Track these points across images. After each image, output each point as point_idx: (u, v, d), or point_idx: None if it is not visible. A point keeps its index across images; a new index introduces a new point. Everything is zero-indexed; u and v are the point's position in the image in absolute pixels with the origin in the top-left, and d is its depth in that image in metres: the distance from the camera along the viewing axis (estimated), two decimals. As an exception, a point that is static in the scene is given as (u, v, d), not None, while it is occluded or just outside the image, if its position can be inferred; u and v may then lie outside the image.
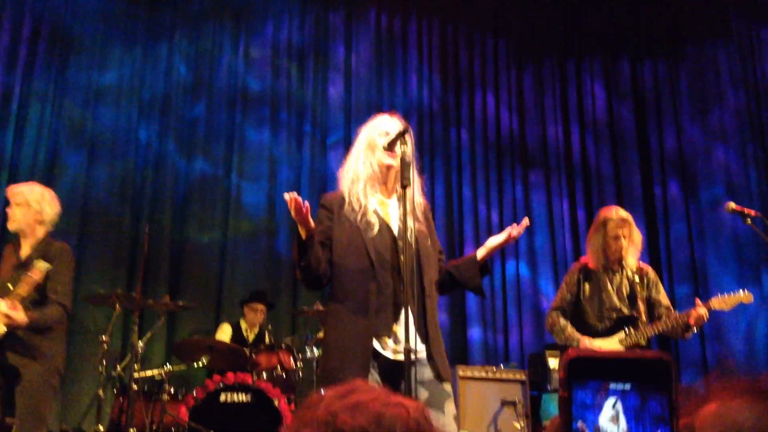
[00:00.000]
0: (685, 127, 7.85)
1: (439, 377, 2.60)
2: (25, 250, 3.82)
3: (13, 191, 3.87)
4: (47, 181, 6.02)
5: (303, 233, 2.56)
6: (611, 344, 3.97)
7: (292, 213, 2.51)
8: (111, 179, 6.34)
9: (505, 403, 5.50)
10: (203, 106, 6.89)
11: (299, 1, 7.48)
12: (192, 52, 6.96)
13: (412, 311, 2.48)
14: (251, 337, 5.92)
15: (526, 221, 2.84)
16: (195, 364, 5.00)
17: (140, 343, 4.72)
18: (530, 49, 8.38)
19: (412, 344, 2.39)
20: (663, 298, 4.15)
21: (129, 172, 6.42)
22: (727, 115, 7.46)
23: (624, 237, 4.03)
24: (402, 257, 2.59)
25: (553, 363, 5.79)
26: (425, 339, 2.62)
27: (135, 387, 4.61)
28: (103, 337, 4.86)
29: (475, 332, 7.31)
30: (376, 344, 2.57)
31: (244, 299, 6.02)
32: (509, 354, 7.30)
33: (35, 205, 3.82)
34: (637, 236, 4.10)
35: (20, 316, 3.49)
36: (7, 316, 3.46)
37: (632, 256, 4.11)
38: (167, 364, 5.05)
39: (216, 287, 6.51)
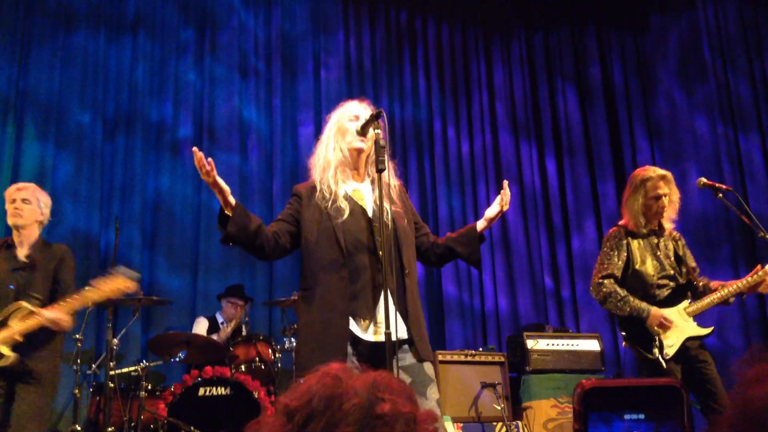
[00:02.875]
0: (654, 98, 7.94)
1: (420, 359, 2.60)
2: (24, 251, 3.82)
3: (21, 188, 3.90)
4: (13, 172, 5.90)
5: (221, 201, 2.57)
6: (678, 314, 3.77)
7: (201, 174, 2.51)
8: (78, 169, 6.18)
9: (485, 386, 5.53)
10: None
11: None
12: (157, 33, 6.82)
13: (391, 292, 2.48)
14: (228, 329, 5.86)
15: (506, 184, 2.89)
16: (172, 359, 4.95)
17: (115, 340, 4.66)
18: (498, 24, 8.44)
19: (392, 326, 2.38)
20: (694, 264, 3.99)
21: (96, 166, 6.26)
22: (697, 86, 7.51)
23: (665, 195, 3.83)
24: (378, 239, 2.58)
25: (531, 344, 5.82)
26: (405, 319, 2.62)
27: (111, 385, 4.56)
28: (77, 335, 4.79)
29: (450, 288, 7.38)
30: (355, 328, 2.56)
31: (223, 294, 5.95)
32: (486, 329, 7.37)
33: (44, 208, 3.92)
34: (676, 195, 3.90)
35: (69, 322, 3.65)
36: (59, 323, 3.59)
37: (668, 220, 3.93)
38: (143, 360, 4.97)
39: (191, 280, 6.42)
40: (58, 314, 3.58)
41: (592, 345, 6.02)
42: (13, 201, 3.83)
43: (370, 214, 2.71)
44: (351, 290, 2.57)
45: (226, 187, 2.55)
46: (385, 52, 7.83)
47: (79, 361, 4.83)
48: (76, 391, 4.79)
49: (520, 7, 8.56)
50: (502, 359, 5.78)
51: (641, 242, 3.89)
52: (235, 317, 5.87)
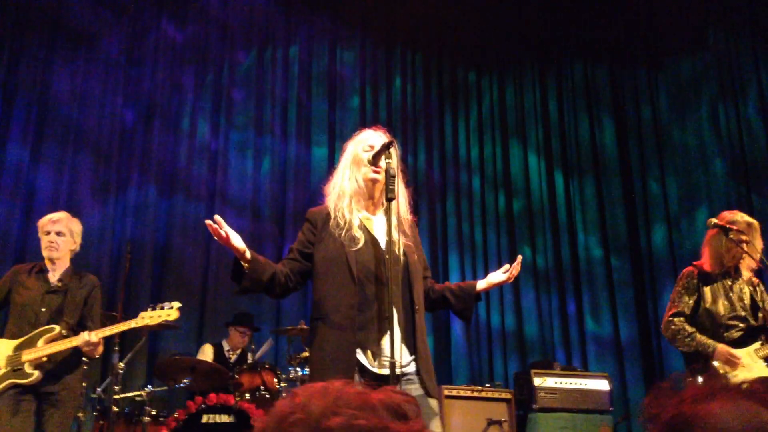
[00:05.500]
0: (665, 140, 7.94)
1: (427, 393, 2.58)
2: (56, 276, 4.00)
3: (55, 221, 4.04)
4: (27, 195, 5.97)
5: (237, 256, 2.61)
6: (748, 355, 3.77)
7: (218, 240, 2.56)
8: (92, 188, 6.25)
9: (491, 423, 5.46)
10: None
11: None
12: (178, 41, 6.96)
13: (399, 325, 2.47)
14: (233, 357, 5.84)
15: (519, 258, 2.95)
16: (176, 384, 4.92)
17: (121, 364, 4.64)
18: (512, 58, 8.55)
19: (398, 358, 2.37)
20: None
21: (110, 189, 6.32)
22: (710, 128, 7.47)
23: (747, 242, 3.86)
24: (388, 271, 2.58)
25: (538, 381, 5.76)
26: (414, 353, 2.60)
27: (115, 409, 4.54)
28: (83, 358, 4.78)
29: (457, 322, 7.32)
30: (362, 358, 2.55)
31: (231, 322, 5.92)
32: (493, 369, 7.30)
33: (76, 237, 4.09)
34: (759, 245, 3.92)
35: (101, 349, 3.87)
36: (93, 347, 3.77)
37: (747, 267, 3.96)
38: (148, 385, 4.95)
39: (198, 306, 6.42)
40: (93, 337, 3.72)
41: (601, 384, 5.94)
42: (48, 233, 4.00)
43: (382, 245, 2.69)
44: (360, 320, 2.56)
45: (242, 246, 2.57)
46: (401, 97, 7.96)
47: (84, 384, 4.81)
48: (80, 414, 4.77)
49: (536, 48, 8.65)
50: (509, 396, 5.72)
51: (714, 283, 3.94)
52: (242, 346, 5.85)
